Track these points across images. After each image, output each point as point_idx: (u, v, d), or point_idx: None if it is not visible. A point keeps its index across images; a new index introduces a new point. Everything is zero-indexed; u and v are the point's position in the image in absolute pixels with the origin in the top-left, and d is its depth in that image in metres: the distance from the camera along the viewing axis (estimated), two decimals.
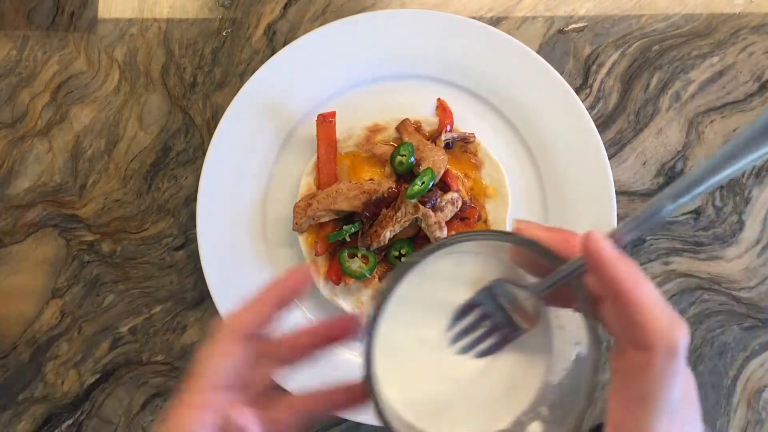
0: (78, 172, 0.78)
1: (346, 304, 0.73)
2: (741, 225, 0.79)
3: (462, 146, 0.76)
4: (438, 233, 0.70)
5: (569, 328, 0.39)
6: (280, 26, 0.80)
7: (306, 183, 0.75)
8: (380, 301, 0.37)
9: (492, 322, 0.41)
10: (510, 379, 0.41)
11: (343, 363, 0.75)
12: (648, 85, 0.80)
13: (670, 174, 0.79)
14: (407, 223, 0.71)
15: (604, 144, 0.75)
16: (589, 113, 0.75)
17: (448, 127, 0.76)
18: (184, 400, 0.41)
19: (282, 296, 0.42)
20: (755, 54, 0.81)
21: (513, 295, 0.40)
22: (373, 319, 0.36)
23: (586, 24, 0.81)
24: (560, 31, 0.81)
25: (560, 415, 0.37)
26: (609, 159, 0.75)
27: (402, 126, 0.75)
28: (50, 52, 0.79)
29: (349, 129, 0.76)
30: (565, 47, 0.80)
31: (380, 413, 0.36)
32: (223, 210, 0.75)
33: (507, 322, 0.41)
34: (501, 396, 0.41)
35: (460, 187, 0.74)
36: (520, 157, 0.77)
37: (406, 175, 0.73)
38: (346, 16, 0.76)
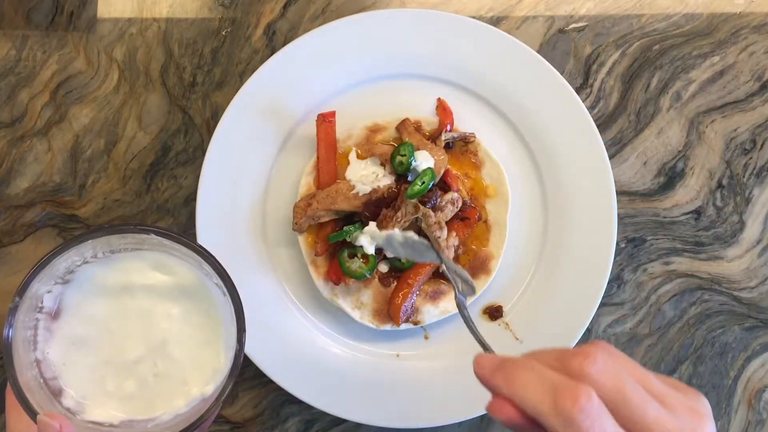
0: (77, 172, 0.78)
1: (346, 305, 0.73)
2: (742, 225, 0.79)
3: (462, 146, 0.76)
4: (438, 233, 0.70)
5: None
6: (280, 26, 0.80)
7: (306, 183, 0.75)
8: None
9: None
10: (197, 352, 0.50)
11: (332, 357, 0.75)
12: (648, 84, 0.80)
13: (670, 174, 0.79)
14: (407, 223, 0.71)
15: (605, 144, 0.75)
16: (590, 113, 0.75)
17: (448, 127, 0.76)
18: None
19: None
20: (756, 53, 0.81)
21: None
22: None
23: (586, 23, 0.81)
24: (561, 31, 0.80)
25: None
26: (609, 159, 0.75)
27: (402, 126, 0.75)
28: (49, 51, 0.79)
29: (349, 129, 0.75)
30: (565, 47, 0.80)
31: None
32: (222, 210, 0.75)
33: None
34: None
35: (460, 187, 0.74)
36: (521, 156, 0.77)
37: (406, 174, 0.72)
38: (346, 15, 0.76)
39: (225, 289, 0.46)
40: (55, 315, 0.47)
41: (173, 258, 0.49)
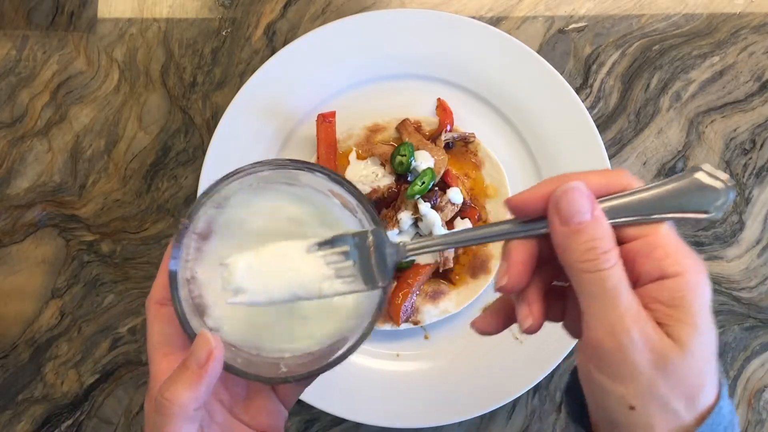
0: (77, 172, 0.78)
1: None
2: (741, 225, 0.79)
3: (462, 146, 0.76)
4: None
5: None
6: (280, 26, 0.80)
7: None
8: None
9: (351, 264, 0.44)
10: (328, 302, 0.47)
11: None
12: (648, 84, 0.80)
13: (670, 174, 0.79)
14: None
15: (605, 144, 0.75)
16: (590, 113, 0.75)
17: (448, 127, 0.76)
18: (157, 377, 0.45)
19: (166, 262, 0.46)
20: (756, 54, 0.81)
21: (382, 246, 0.44)
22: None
23: (586, 24, 0.81)
24: (560, 31, 0.80)
25: (355, 326, 0.46)
26: (609, 159, 0.75)
27: (402, 126, 0.75)
28: (50, 51, 0.79)
29: (349, 129, 0.75)
30: (565, 47, 0.80)
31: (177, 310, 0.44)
32: None
33: (363, 271, 0.44)
34: (317, 315, 0.48)
35: (461, 187, 0.74)
36: (521, 156, 0.77)
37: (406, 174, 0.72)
38: (346, 15, 0.76)
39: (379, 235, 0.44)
40: (205, 236, 0.48)
41: (318, 194, 0.49)
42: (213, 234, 0.48)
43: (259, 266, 0.45)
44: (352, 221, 0.48)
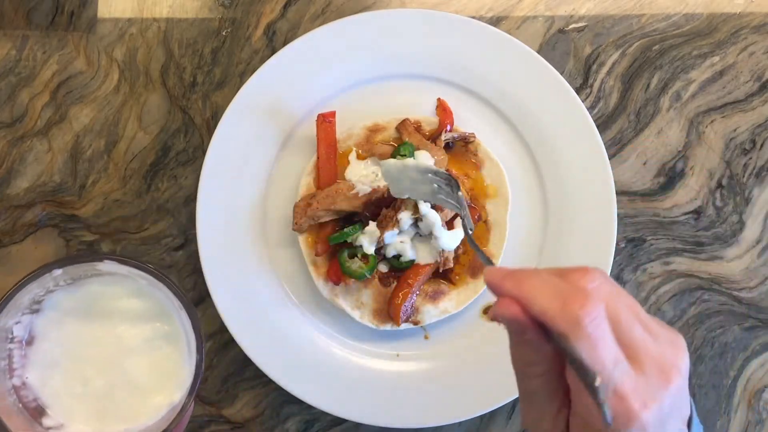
0: (77, 172, 0.78)
1: (346, 305, 0.73)
2: (741, 225, 0.79)
3: (462, 146, 0.76)
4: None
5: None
6: (280, 26, 0.80)
7: (306, 183, 0.75)
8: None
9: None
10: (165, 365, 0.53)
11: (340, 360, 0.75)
12: (648, 84, 0.80)
13: (670, 174, 0.79)
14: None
15: (605, 144, 0.75)
16: (590, 113, 0.75)
17: (448, 127, 0.76)
18: None
19: None
20: (756, 54, 0.81)
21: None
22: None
23: (586, 24, 0.81)
24: (560, 31, 0.80)
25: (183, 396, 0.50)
26: (609, 159, 0.75)
27: (402, 126, 0.75)
28: (50, 51, 0.79)
29: (349, 129, 0.75)
30: (565, 47, 0.80)
31: None
32: (222, 210, 0.75)
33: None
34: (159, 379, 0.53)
35: (461, 187, 0.74)
36: (521, 156, 0.77)
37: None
38: (346, 15, 0.76)
39: (180, 304, 0.49)
40: (29, 342, 0.51)
41: (129, 279, 0.53)
42: (36, 339, 0.51)
43: (397, 173, 0.65)
44: (156, 291, 0.52)
